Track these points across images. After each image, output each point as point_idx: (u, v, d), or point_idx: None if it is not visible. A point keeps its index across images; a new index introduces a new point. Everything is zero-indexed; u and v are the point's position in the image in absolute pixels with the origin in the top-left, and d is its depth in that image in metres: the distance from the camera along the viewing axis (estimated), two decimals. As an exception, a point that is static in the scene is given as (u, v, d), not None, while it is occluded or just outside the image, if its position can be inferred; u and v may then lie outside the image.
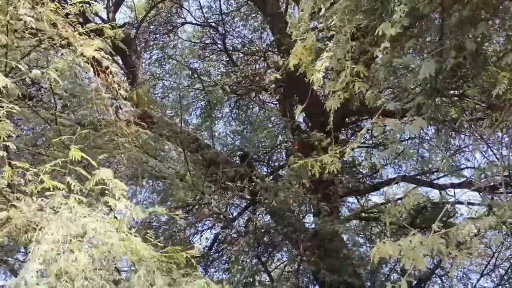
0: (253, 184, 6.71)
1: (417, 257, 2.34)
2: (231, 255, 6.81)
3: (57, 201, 3.35)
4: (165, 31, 11.63)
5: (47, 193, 3.38)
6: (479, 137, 9.11)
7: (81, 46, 4.31)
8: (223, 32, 10.79)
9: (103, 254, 3.33)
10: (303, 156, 6.59)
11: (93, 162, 3.44)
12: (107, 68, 4.55)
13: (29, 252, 2.86)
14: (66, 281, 2.75)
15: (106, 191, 3.55)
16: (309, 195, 6.54)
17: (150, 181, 7.57)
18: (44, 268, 2.78)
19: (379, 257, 2.54)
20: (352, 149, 3.36)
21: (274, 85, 8.08)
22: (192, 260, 4.05)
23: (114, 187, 3.60)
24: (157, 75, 11.18)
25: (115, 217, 3.64)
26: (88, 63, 4.48)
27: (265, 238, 7.29)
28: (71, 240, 3.10)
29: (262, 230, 7.41)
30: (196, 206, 7.12)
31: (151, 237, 3.56)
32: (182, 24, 11.70)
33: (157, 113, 8.03)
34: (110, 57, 4.55)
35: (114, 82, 4.46)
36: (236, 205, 9.77)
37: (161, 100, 10.39)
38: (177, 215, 4.34)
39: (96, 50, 4.32)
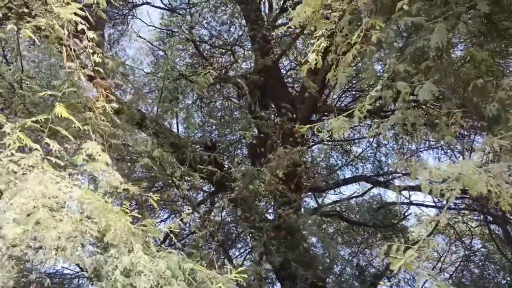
0: (224, 171, 6.64)
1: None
2: (194, 241, 6.66)
3: (31, 162, 3.15)
4: (125, 10, 11.01)
5: (18, 154, 3.17)
6: (433, 142, 9.54)
7: (57, 7, 4.11)
8: (190, 21, 10.53)
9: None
10: (282, 144, 6.59)
11: (78, 124, 3.26)
12: (83, 32, 4.34)
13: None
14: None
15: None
16: (280, 185, 6.47)
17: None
18: (22, 217, 2.60)
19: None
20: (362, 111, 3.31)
21: (247, 76, 8.00)
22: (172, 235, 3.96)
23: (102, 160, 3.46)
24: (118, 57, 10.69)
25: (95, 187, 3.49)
26: (63, 27, 4.26)
27: (228, 226, 7.20)
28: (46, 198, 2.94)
29: (228, 219, 7.33)
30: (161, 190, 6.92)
31: (127, 209, 3.42)
32: (142, 3, 11.12)
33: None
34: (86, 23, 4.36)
35: (89, 47, 4.24)
36: (203, 191, 9.61)
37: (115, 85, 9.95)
38: (152, 198, 4.18)
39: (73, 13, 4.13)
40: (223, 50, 11.58)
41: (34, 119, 3.00)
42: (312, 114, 8.35)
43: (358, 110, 3.34)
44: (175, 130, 8.48)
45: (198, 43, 11.29)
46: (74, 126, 3.61)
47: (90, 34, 4.41)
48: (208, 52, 11.64)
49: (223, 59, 11.64)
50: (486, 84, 3.62)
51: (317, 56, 3.38)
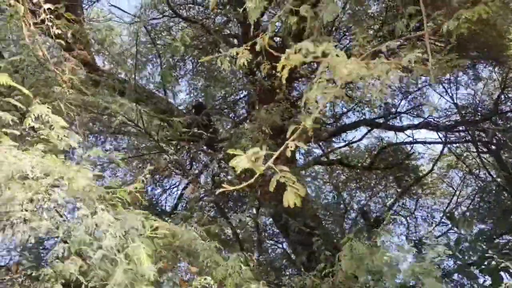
0: (211, 132, 6.68)
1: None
2: (191, 205, 6.81)
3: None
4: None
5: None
6: (438, 77, 9.25)
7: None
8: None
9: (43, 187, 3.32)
10: (264, 103, 6.57)
11: (26, 91, 3.35)
12: (39, 6, 4.36)
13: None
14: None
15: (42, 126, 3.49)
16: (268, 141, 6.48)
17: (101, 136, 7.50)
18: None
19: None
20: (264, 40, 3.24)
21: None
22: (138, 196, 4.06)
23: (54, 122, 3.55)
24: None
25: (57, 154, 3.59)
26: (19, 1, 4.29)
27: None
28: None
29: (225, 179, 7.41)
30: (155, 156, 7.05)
31: (88, 169, 3.52)
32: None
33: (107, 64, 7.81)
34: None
35: (48, 19, 4.26)
36: (202, 161, 9.83)
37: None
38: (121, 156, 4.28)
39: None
40: (218, 11, 11.40)
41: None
42: (295, 69, 8.16)
43: (263, 39, 3.26)
44: (172, 99, 8.59)
45: (191, 5, 11.22)
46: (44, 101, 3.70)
47: (47, 6, 4.43)
48: (203, 14, 11.51)
49: (217, 20, 11.50)
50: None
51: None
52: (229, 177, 8.07)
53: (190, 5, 11.25)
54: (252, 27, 3.46)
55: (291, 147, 2.15)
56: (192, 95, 10.76)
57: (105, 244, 3.24)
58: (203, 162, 10.05)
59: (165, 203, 10.04)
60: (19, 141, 3.46)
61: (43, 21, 4.48)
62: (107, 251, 3.23)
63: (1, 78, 3.14)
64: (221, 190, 2.13)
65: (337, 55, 2.13)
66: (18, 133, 3.35)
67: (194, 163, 10.06)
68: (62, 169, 3.37)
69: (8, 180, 3.19)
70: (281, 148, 2.19)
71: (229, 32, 10.42)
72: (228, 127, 9.43)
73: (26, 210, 3.26)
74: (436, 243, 3.99)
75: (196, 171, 9.21)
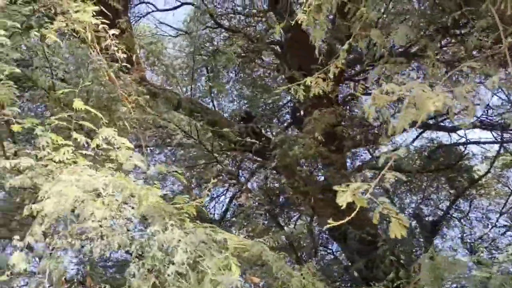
0: (263, 140, 6.74)
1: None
2: (244, 214, 6.89)
3: (65, 158, 3.45)
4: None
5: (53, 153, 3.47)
6: (488, 75, 8.93)
7: (76, 12, 4.31)
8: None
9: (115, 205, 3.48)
10: (316, 107, 6.58)
11: (99, 114, 3.52)
12: (105, 31, 4.53)
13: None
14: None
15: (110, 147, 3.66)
16: (320, 148, 6.47)
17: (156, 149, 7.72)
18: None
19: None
20: (337, 67, 3.28)
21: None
22: (203, 209, 4.15)
23: (120, 144, 3.72)
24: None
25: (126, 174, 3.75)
26: (85, 30, 4.48)
27: (275, 196, 7.33)
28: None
29: (275, 187, 7.46)
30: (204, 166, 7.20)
31: (158, 188, 3.65)
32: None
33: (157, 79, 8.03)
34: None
35: (113, 45, 4.44)
36: (248, 168, 9.94)
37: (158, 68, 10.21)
38: (177, 172, 4.39)
39: (93, 16, 4.32)
40: (258, 18, 11.53)
41: (57, 116, 3.28)
42: (343, 73, 8.14)
43: (336, 66, 3.29)
44: (216, 107, 8.75)
45: (232, 15, 11.38)
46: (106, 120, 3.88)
47: (112, 32, 4.61)
48: (243, 23, 11.65)
49: (258, 27, 11.60)
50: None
51: (307, 14, 3.32)
52: (276, 184, 8.14)
53: (231, 15, 11.41)
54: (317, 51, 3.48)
55: (389, 178, 2.19)
56: (235, 102, 10.94)
57: (176, 260, 3.35)
58: (248, 170, 10.18)
59: (214, 211, 10.24)
60: (90, 161, 3.64)
61: (107, 46, 4.67)
62: (179, 266, 3.34)
63: (77, 103, 3.32)
64: (327, 226, 2.18)
65: (423, 91, 2.16)
66: (91, 153, 3.52)
67: (240, 171, 10.22)
68: (132, 187, 3.51)
69: (83, 198, 3.36)
70: (376, 180, 2.23)
71: (271, 39, 10.45)
72: (274, 133, 9.53)
73: (102, 226, 3.42)
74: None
75: (243, 179, 9.35)
